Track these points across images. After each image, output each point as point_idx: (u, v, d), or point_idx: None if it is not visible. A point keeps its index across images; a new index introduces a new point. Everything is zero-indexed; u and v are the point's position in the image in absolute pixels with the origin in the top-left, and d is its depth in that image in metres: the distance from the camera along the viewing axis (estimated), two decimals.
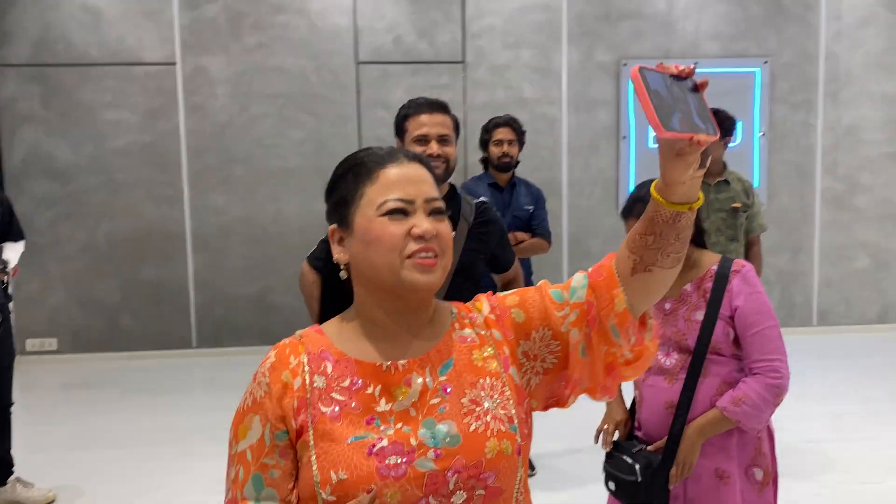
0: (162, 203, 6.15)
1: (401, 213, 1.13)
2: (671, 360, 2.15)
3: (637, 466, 2.12)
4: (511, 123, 4.10)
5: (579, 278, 1.21)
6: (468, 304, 1.25)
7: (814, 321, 6.66)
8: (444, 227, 1.14)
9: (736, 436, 2.11)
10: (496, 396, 1.14)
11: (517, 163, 4.13)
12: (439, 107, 2.38)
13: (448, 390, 1.13)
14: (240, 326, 6.29)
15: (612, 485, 2.20)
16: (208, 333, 6.28)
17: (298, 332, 1.20)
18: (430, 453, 1.08)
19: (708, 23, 6.34)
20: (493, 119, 4.19)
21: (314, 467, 1.08)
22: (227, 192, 6.18)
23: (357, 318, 1.19)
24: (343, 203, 1.17)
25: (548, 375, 1.20)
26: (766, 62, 6.35)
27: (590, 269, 1.21)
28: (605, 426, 2.30)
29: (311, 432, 1.10)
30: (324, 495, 1.07)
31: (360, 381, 1.13)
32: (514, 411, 1.14)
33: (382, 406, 1.11)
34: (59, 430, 4.69)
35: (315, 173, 6.13)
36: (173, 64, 6.05)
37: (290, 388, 1.13)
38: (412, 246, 1.11)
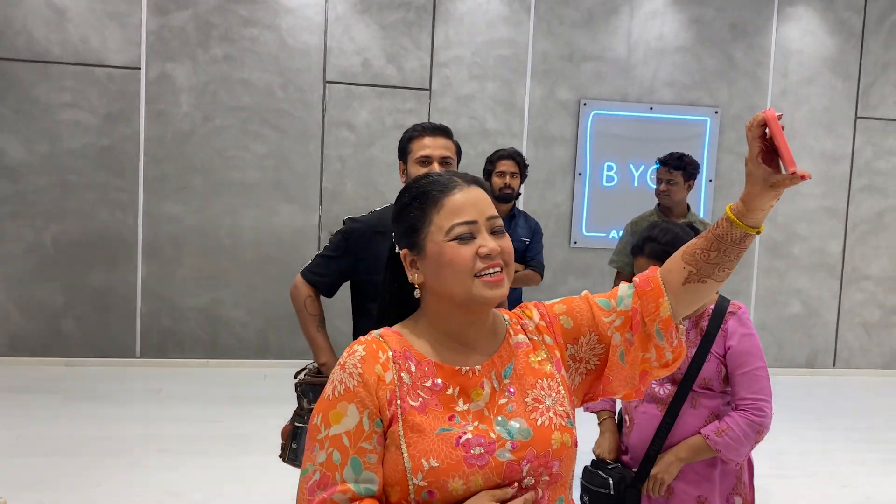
0: (115, 208, 6.00)
1: (468, 236, 1.24)
2: (665, 390, 2.23)
3: (611, 481, 2.21)
4: (515, 157, 4.25)
5: (625, 288, 1.37)
6: (517, 311, 1.38)
7: None
8: (507, 242, 1.28)
9: (719, 466, 2.22)
10: (554, 395, 1.29)
11: (518, 195, 4.30)
12: (442, 131, 2.47)
13: (512, 391, 1.26)
14: (186, 338, 6.15)
15: (586, 498, 2.27)
16: (153, 343, 6.13)
17: (376, 332, 1.29)
18: (508, 445, 1.20)
19: (665, 71, 6.58)
20: (497, 151, 4.33)
21: (405, 455, 1.17)
22: (183, 202, 6.08)
23: (430, 327, 1.30)
24: (413, 230, 1.28)
25: (590, 375, 1.37)
26: (716, 112, 6.62)
27: (635, 280, 1.37)
28: (598, 451, 2.35)
29: (400, 423, 1.19)
30: (415, 481, 1.16)
31: (440, 383, 1.24)
32: (569, 408, 1.30)
33: (461, 406, 1.23)
34: None
35: (274, 188, 6.09)
36: (138, 68, 5.94)
37: (383, 380, 1.21)
38: (480, 264, 1.24)
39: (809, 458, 4.76)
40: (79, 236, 5.96)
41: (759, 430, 2.18)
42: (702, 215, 6.63)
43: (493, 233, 1.27)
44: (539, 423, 1.23)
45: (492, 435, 1.20)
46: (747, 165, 1.21)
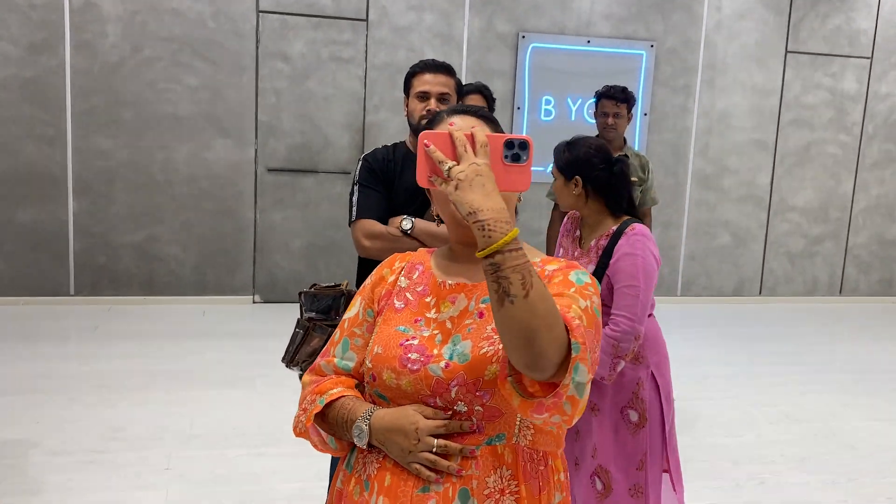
0: (42, 143, 5.80)
1: None
2: None
3: None
4: (482, 90, 3.98)
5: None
6: (548, 256, 1.34)
7: (678, 291, 7.13)
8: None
9: (615, 379, 2.35)
10: None
11: None
12: (444, 68, 2.47)
13: (482, 316, 1.27)
14: (121, 276, 6.06)
15: None
16: (87, 281, 6.02)
17: (419, 248, 1.47)
18: (442, 363, 1.23)
19: (602, 3, 6.58)
20: (464, 86, 4.03)
21: (372, 339, 1.33)
22: (113, 136, 5.90)
23: (448, 249, 1.40)
24: None
25: None
26: (652, 46, 6.66)
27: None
28: None
29: (381, 317, 1.35)
30: (367, 362, 1.32)
31: (426, 289, 1.35)
32: None
33: (431, 313, 1.31)
34: None
35: (207, 122, 5.94)
36: None
37: (385, 280, 1.39)
38: None
39: (735, 381, 4.97)
40: (4, 173, 5.76)
41: (613, 345, 2.26)
42: (637, 149, 6.74)
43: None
44: (482, 351, 1.21)
45: (434, 350, 1.24)
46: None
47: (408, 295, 1.34)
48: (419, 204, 2.37)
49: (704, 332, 6.12)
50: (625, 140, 4.23)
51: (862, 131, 7.22)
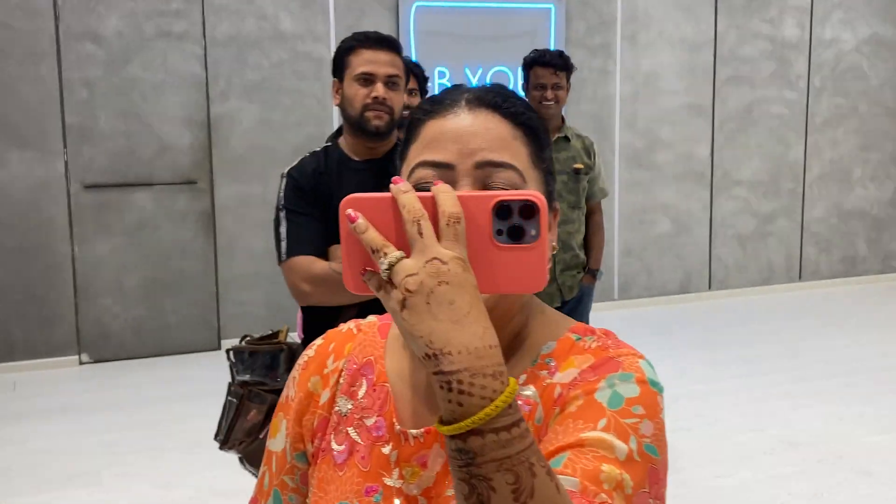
0: None
1: (424, 187, 0.97)
2: None
3: None
4: (412, 68, 3.92)
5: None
6: (571, 337, 0.99)
7: (615, 294, 6.87)
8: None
9: None
10: None
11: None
12: (389, 43, 2.37)
13: None
14: None
15: None
16: None
17: (367, 320, 1.10)
18: None
19: None
20: None
21: None
22: None
23: None
24: (397, 172, 1.03)
25: None
26: None
27: None
28: None
29: (317, 467, 1.02)
30: None
31: (382, 431, 0.98)
32: None
33: (393, 479, 0.96)
34: None
35: None
36: None
37: (316, 400, 1.05)
38: None
39: (706, 403, 4.75)
40: None
41: None
42: None
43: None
44: None
45: None
46: None
47: (352, 434, 1.00)
48: None
49: (653, 343, 5.89)
50: (563, 118, 3.91)
51: (809, 85, 7.16)
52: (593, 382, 0.90)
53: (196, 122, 5.73)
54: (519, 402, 0.91)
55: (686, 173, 6.97)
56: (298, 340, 2.29)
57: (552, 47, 6.33)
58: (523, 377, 0.95)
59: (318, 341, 1.08)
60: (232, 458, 3.88)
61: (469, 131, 0.92)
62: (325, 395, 1.03)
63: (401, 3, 6.02)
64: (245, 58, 5.74)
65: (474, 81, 6.23)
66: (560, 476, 0.79)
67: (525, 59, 3.92)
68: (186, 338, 5.81)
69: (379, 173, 2.26)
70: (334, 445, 1.00)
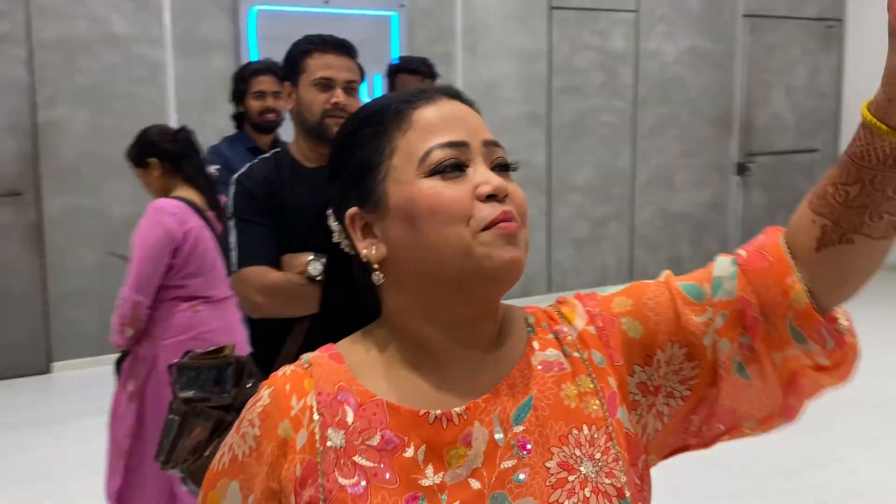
0: None
1: (454, 166, 0.93)
2: None
3: None
4: (275, 70, 3.81)
5: (724, 264, 0.99)
6: (550, 308, 1.05)
7: None
8: (518, 190, 0.97)
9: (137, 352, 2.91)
10: (599, 457, 0.95)
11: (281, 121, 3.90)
12: (348, 48, 2.33)
13: (528, 447, 0.94)
14: None
15: None
16: None
17: (305, 358, 0.99)
18: None
19: None
20: (249, 65, 3.99)
21: None
22: None
23: (393, 340, 0.98)
24: (364, 171, 0.97)
25: (675, 417, 1.01)
26: (403, 6, 6.49)
27: (739, 252, 0.99)
28: None
29: None
30: None
31: (395, 439, 0.92)
32: (624, 479, 0.94)
33: (430, 478, 0.91)
34: None
35: None
36: None
37: (292, 446, 0.93)
38: (485, 211, 0.91)
39: None
40: None
41: (119, 307, 2.86)
42: None
43: (497, 168, 0.95)
44: None
45: None
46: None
47: (360, 460, 0.91)
48: (323, 233, 1.97)
49: None
50: None
51: (635, 95, 7.63)
52: (605, 299, 1.03)
53: (20, 130, 5.44)
54: (552, 368, 0.98)
55: (525, 180, 7.25)
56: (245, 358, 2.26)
57: (395, 55, 6.46)
58: (536, 343, 1.00)
59: (265, 390, 0.97)
60: (70, 492, 3.76)
61: (466, 115, 0.98)
62: (301, 439, 0.94)
63: (240, 6, 5.95)
64: (74, 61, 5.51)
65: None
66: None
67: (390, 65, 4.01)
68: (12, 361, 5.51)
69: None
70: (343, 481, 0.92)
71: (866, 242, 0.92)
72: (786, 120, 8.58)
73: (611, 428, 0.96)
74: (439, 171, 0.92)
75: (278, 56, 6.28)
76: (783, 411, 1.02)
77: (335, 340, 1.02)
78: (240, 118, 4.00)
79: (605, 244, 7.71)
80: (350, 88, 2.28)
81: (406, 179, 0.93)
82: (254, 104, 3.86)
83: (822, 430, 4.20)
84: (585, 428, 0.95)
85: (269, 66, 3.91)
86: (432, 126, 0.94)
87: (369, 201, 0.96)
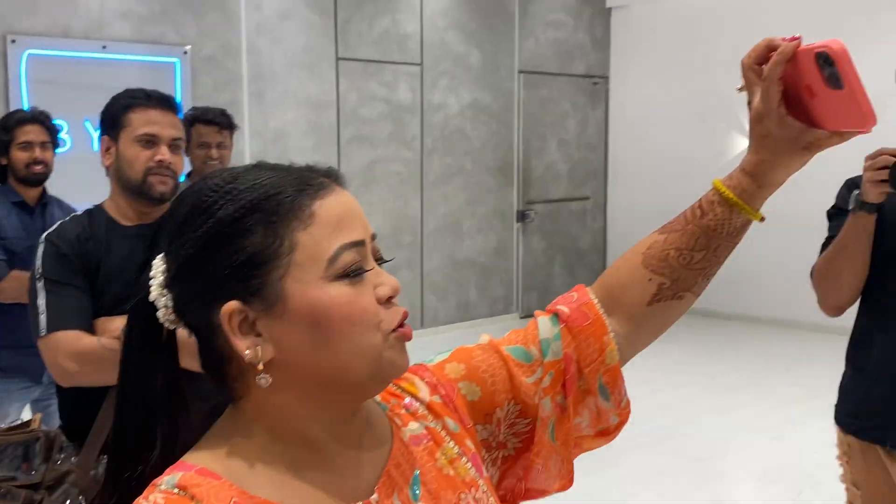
0: None
1: (357, 270, 0.89)
2: None
3: None
4: (42, 120, 3.64)
5: (547, 325, 1.08)
6: (388, 386, 1.02)
7: None
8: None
9: None
10: None
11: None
12: (171, 104, 2.26)
13: None
14: None
15: None
16: None
17: (170, 482, 0.84)
18: None
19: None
20: (14, 114, 3.72)
21: None
22: None
23: (271, 441, 0.90)
24: (251, 266, 0.87)
25: (506, 467, 1.10)
26: (186, 52, 6.32)
27: (558, 309, 1.09)
28: None
29: None
30: None
31: None
32: None
33: None
34: None
35: None
36: None
37: None
38: (389, 315, 0.91)
39: None
40: None
41: None
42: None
43: (380, 261, 0.96)
44: None
45: None
46: (760, 122, 0.99)
47: None
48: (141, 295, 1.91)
49: None
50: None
51: (422, 146, 7.80)
52: (438, 367, 1.08)
53: None
54: (421, 441, 1.00)
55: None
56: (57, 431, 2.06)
57: (179, 102, 6.26)
58: (398, 420, 1.01)
59: None
60: None
61: (356, 206, 0.94)
62: None
63: (9, 48, 5.57)
64: None
65: (96, 136, 5.94)
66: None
67: (185, 114, 3.87)
68: None
69: (153, 239, 2.13)
70: None
71: (691, 299, 1.08)
72: (560, 170, 9.07)
73: (485, 486, 1.01)
74: (346, 274, 0.88)
75: (51, 103, 5.95)
76: (564, 477, 1.12)
77: (140, 420, 0.93)
78: (2, 171, 3.69)
79: None
80: (175, 146, 2.21)
81: (310, 281, 0.87)
82: (20, 155, 3.58)
83: (607, 468, 4.38)
84: (472, 490, 0.99)
85: (35, 116, 3.69)
86: (336, 222, 0.89)
87: (258, 298, 0.87)
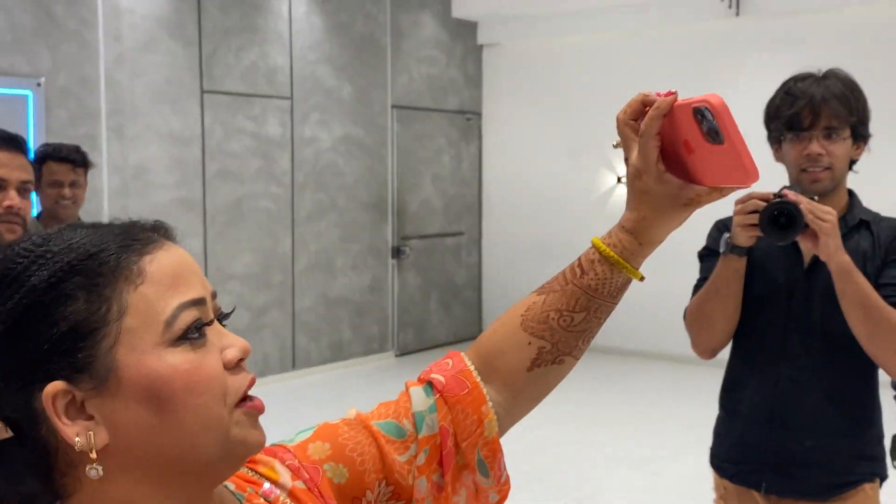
0: None
1: (200, 330, 0.80)
2: None
3: None
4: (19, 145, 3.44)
5: (421, 396, 1.01)
6: (242, 472, 0.93)
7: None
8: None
9: None
10: None
11: None
12: (19, 145, 2.20)
13: None
14: None
15: None
16: None
17: None
18: None
19: None
20: None
21: None
22: None
23: None
24: (73, 338, 0.76)
25: None
26: (39, 84, 6.01)
27: (432, 378, 1.01)
28: None
29: None
30: None
31: None
32: None
33: None
34: None
35: None
36: None
37: None
38: (236, 382, 0.81)
39: None
40: None
41: None
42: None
43: (222, 319, 0.86)
44: None
45: None
46: (638, 179, 0.97)
47: None
48: None
49: None
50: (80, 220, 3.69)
51: (293, 181, 7.63)
52: (300, 448, 0.97)
53: None
54: None
55: None
56: None
57: (31, 137, 5.96)
58: None
59: None
60: None
61: (191, 261, 0.85)
62: None
63: None
64: None
65: None
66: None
67: (35, 151, 3.65)
68: None
69: None
70: None
71: (571, 363, 1.04)
72: (435, 205, 9.04)
73: None
74: (187, 337, 0.78)
75: None
76: None
77: None
78: None
79: (266, 333, 7.54)
80: (24, 189, 2.15)
81: (145, 348, 0.77)
82: None
83: None
84: None
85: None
86: (171, 280, 0.80)
87: (86, 374, 0.76)
